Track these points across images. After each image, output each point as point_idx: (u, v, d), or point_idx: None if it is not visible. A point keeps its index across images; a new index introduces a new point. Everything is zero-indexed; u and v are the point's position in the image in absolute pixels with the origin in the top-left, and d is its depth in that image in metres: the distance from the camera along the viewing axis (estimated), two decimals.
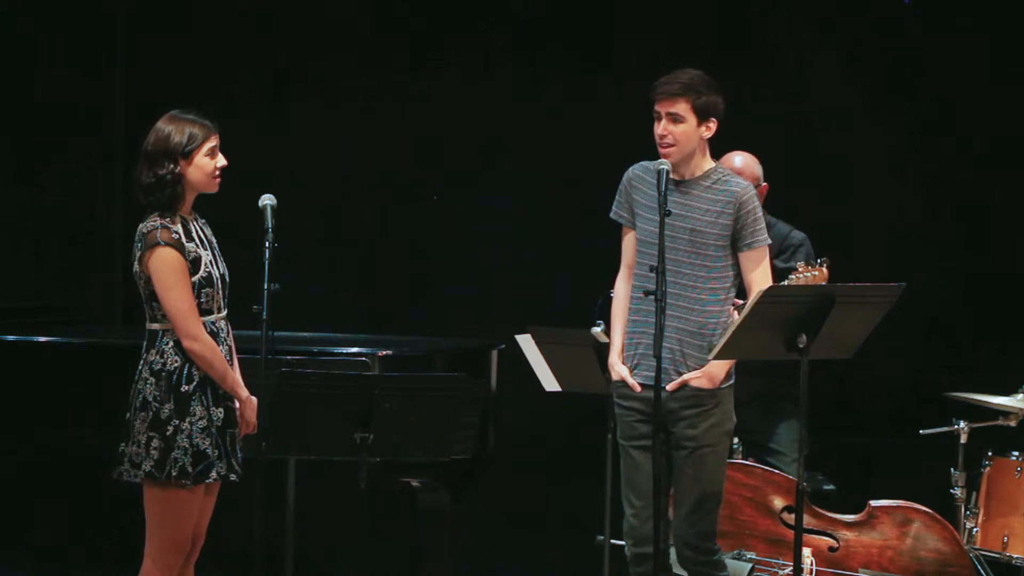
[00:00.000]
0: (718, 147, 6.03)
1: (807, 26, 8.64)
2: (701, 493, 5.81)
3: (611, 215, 5.95)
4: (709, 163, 5.84)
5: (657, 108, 5.76)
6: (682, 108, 5.72)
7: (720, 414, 5.80)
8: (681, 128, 5.73)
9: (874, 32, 8.58)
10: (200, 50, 8.95)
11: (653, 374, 5.72)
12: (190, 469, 5.34)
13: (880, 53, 8.56)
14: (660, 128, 5.75)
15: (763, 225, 5.81)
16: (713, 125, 5.77)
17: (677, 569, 6.11)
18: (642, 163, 5.88)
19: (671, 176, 5.76)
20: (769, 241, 5.85)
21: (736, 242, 5.77)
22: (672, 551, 6.00)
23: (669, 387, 5.75)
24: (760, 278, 5.77)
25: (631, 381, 5.80)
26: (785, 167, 7.71)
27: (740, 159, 6.77)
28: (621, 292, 5.92)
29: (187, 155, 5.41)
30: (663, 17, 8.65)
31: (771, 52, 8.66)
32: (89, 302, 8.77)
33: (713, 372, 5.75)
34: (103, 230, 9.08)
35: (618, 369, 5.85)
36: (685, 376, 5.76)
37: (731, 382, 5.85)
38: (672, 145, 5.74)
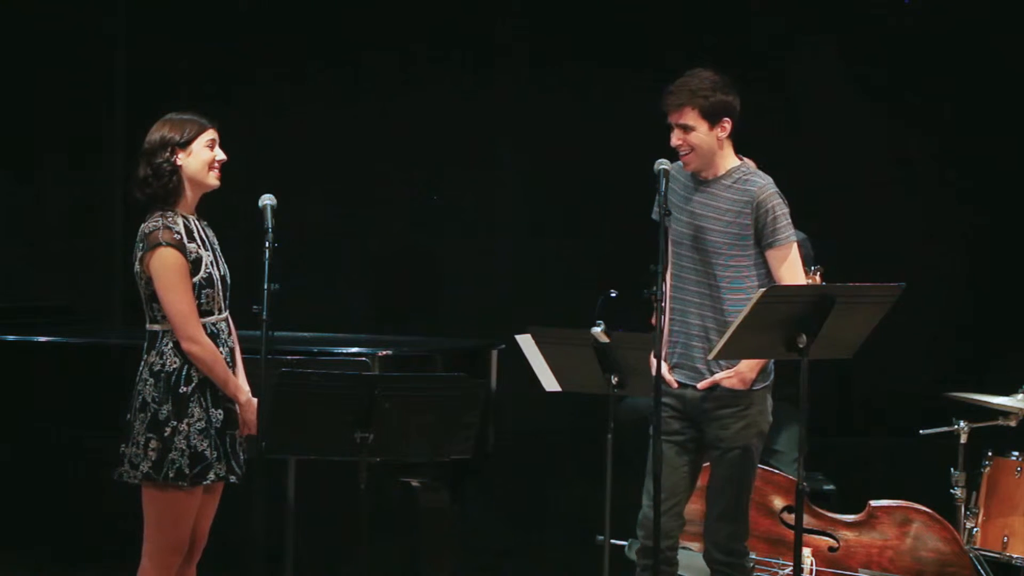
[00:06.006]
0: None
1: (807, 26, 8.64)
2: (732, 495, 5.81)
3: (652, 215, 5.90)
4: (732, 161, 5.81)
5: (668, 118, 5.74)
6: (690, 117, 5.71)
7: (753, 415, 5.80)
8: (694, 136, 5.72)
9: (874, 32, 8.58)
10: (200, 50, 8.95)
11: (691, 374, 5.78)
12: (187, 471, 5.33)
13: (880, 53, 8.56)
14: (674, 139, 5.74)
15: (786, 222, 5.76)
16: (728, 124, 5.75)
17: (684, 572, 6.10)
18: (676, 163, 5.86)
19: (697, 176, 5.77)
20: (795, 238, 5.81)
21: (760, 241, 5.75)
22: (682, 555, 5.99)
23: (700, 385, 5.77)
24: (788, 275, 5.74)
25: (668, 377, 5.80)
26: (785, 168, 7.70)
27: None
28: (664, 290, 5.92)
29: (184, 145, 5.41)
30: (663, 16, 8.65)
31: (771, 52, 8.66)
32: (89, 302, 8.76)
33: (744, 372, 5.74)
34: (103, 230, 9.07)
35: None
36: (717, 376, 5.75)
37: (767, 383, 5.84)
38: (689, 153, 5.73)
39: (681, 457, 5.82)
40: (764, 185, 5.77)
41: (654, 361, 5.85)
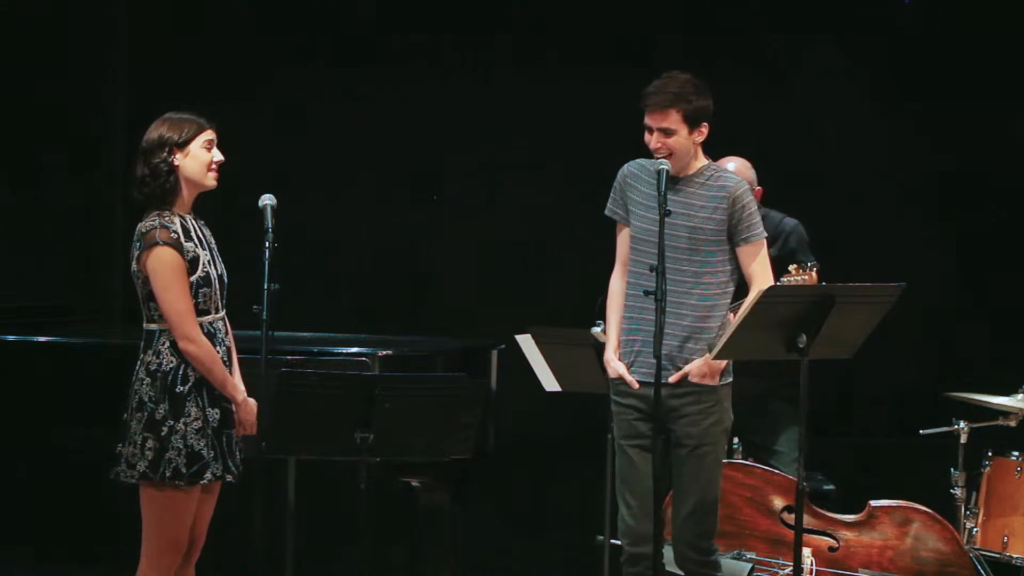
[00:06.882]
0: (718, 148, 6.03)
1: (807, 26, 8.64)
2: (701, 492, 5.80)
3: (606, 212, 5.95)
4: (702, 161, 5.84)
5: (648, 121, 5.74)
6: (673, 120, 5.71)
7: (720, 412, 5.80)
8: (674, 140, 5.72)
9: (874, 33, 8.58)
10: (200, 50, 8.95)
11: (650, 371, 5.71)
12: (184, 470, 5.33)
13: (880, 54, 8.56)
14: (653, 142, 5.73)
15: (759, 219, 5.81)
16: (705, 129, 5.77)
17: (671, 567, 6.11)
18: (638, 160, 5.88)
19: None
20: (766, 234, 5.85)
21: (733, 237, 5.76)
22: (666, 550, 5.99)
23: (671, 379, 5.73)
24: (760, 269, 5.77)
25: (629, 377, 5.79)
26: (785, 167, 7.71)
27: (733, 164, 6.77)
28: (616, 288, 5.92)
29: (182, 145, 5.40)
30: (663, 17, 8.65)
31: (771, 52, 8.66)
32: (89, 302, 8.76)
33: (714, 363, 5.72)
34: (103, 230, 9.07)
35: (615, 365, 5.84)
36: (687, 368, 5.73)
37: (729, 380, 5.85)
38: (667, 156, 5.73)
39: (650, 462, 5.77)
40: (739, 182, 5.82)
41: (611, 361, 5.84)
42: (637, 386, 5.76)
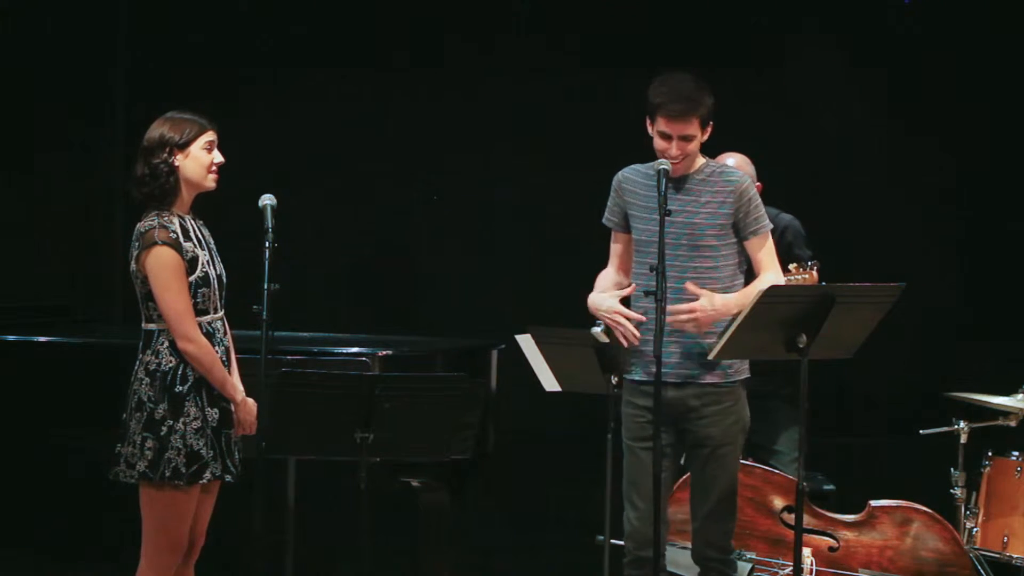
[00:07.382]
0: (717, 145, 6.03)
1: (807, 26, 8.64)
2: (723, 492, 5.79)
3: (603, 220, 5.95)
4: (701, 159, 5.83)
5: (668, 129, 5.68)
6: (694, 127, 5.69)
7: (739, 411, 5.80)
8: (692, 144, 5.72)
9: (874, 32, 8.58)
10: (200, 50, 8.95)
11: (664, 371, 5.68)
12: (183, 470, 5.33)
13: (880, 53, 8.57)
14: (674, 149, 5.68)
15: (763, 211, 5.81)
16: (710, 128, 5.77)
17: (672, 568, 6.10)
18: (631, 166, 5.87)
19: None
20: (771, 226, 5.84)
21: (740, 231, 5.76)
22: (668, 552, 5.99)
23: (670, 309, 5.58)
24: (768, 257, 5.77)
25: (629, 313, 5.75)
26: (785, 168, 7.71)
27: (733, 160, 6.78)
28: (607, 274, 5.93)
29: (183, 146, 5.40)
30: (662, 16, 8.65)
31: (771, 50, 8.67)
32: (89, 302, 8.76)
33: (719, 309, 5.64)
34: (103, 230, 9.08)
35: (608, 304, 5.77)
36: (698, 303, 5.64)
37: (746, 376, 5.84)
38: (682, 160, 5.72)
39: (659, 464, 5.75)
40: (743, 176, 5.82)
41: (603, 301, 5.81)
42: (638, 318, 5.73)
